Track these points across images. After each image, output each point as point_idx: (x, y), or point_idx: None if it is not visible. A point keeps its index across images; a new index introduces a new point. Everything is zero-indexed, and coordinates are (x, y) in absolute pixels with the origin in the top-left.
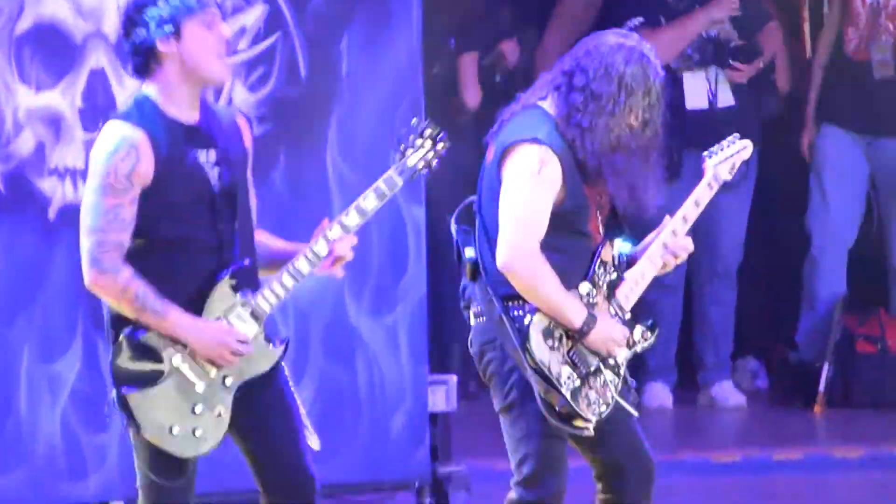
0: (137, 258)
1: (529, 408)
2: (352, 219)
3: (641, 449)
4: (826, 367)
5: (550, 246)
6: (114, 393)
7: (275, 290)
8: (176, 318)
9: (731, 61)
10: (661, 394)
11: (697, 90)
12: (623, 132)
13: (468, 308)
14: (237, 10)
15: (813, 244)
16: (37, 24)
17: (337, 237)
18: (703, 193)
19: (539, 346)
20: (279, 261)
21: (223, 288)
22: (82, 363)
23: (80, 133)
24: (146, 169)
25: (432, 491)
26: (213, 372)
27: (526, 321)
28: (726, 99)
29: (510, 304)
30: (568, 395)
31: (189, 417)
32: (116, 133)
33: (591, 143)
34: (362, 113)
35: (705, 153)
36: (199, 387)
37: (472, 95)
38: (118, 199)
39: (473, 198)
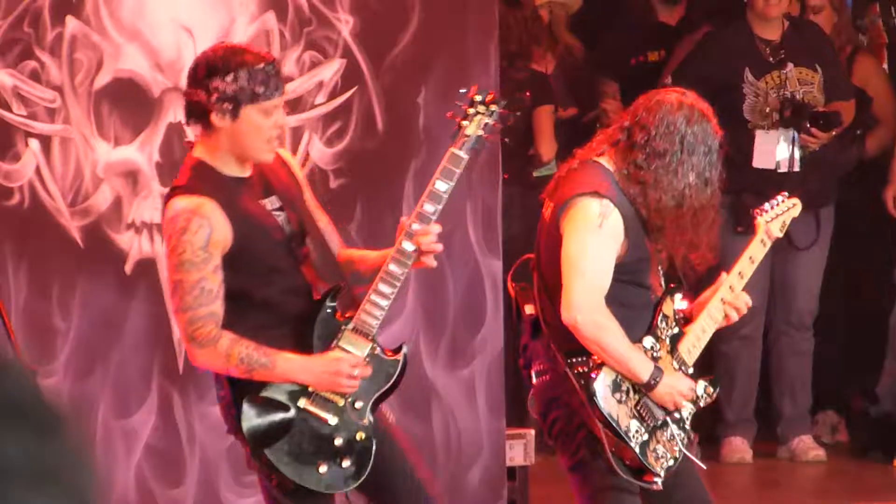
0: (237, 317)
1: (599, 464)
2: (428, 206)
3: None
4: None
5: (614, 299)
6: (252, 454)
7: (376, 301)
8: (284, 365)
9: (809, 126)
10: (740, 448)
11: (767, 150)
12: (684, 190)
13: (528, 367)
14: (315, 65)
15: None
16: (115, 79)
17: (419, 230)
18: (756, 250)
19: (607, 400)
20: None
21: (323, 317)
22: (157, 417)
23: (157, 187)
24: (222, 235)
25: None
26: (340, 401)
27: (592, 375)
28: (794, 163)
29: (574, 359)
30: (637, 449)
31: (332, 452)
32: (183, 208)
33: (653, 200)
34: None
35: (756, 210)
36: (332, 420)
37: (547, 148)
38: (200, 273)
39: (529, 256)
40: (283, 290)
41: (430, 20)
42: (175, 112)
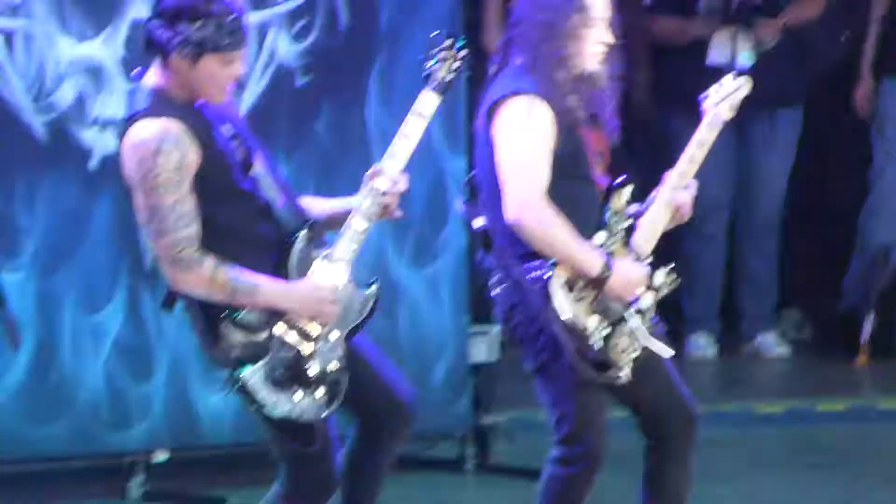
0: (207, 246)
1: (561, 366)
2: (401, 147)
3: (680, 397)
4: (870, 317)
5: (559, 197)
6: (228, 377)
7: (351, 237)
8: (269, 291)
9: (753, 19)
10: (703, 345)
11: (721, 46)
12: (579, 58)
13: (489, 279)
14: None
15: (873, 193)
16: None
17: (392, 170)
18: (705, 134)
19: (562, 300)
20: (336, 218)
21: (300, 247)
22: (126, 313)
23: (121, 83)
24: (193, 156)
25: (474, 441)
26: (315, 331)
27: (546, 277)
28: (744, 60)
29: (527, 264)
30: (599, 345)
31: (305, 381)
32: (153, 130)
33: (554, 80)
34: (402, 64)
35: (703, 95)
36: (307, 349)
37: (491, 38)
38: (176, 195)
39: (474, 172)
40: (246, 213)
41: None
42: (139, 7)
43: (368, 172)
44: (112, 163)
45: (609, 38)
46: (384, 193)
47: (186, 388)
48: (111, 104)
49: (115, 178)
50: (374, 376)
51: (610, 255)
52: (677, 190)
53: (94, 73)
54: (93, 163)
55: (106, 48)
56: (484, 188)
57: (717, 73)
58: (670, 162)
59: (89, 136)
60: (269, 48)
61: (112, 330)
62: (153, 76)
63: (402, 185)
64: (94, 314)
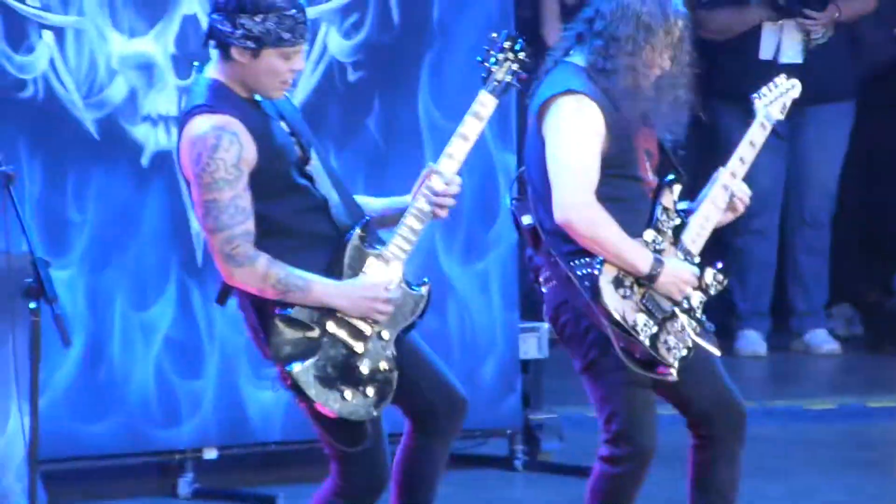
0: (261, 243)
1: (609, 363)
2: (457, 147)
3: (729, 395)
4: None
5: (608, 196)
6: (279, 374)
7: (405, 235)
8: (321, 289)
9: (804, 11)
10: (754, 341)
11: (771, 40)
12: (646, 72)
13: (536, 277)
14: None
15: None
16: None
17: (448, 169)
18: (756, 134)
19: (611, 297)
20: (389, 217)
21: (354, 245)
22: (176, 310)
23: (172, 79)
24: (250, 153)
25: (524, 438)
26: (367, 330)
27: (594, 274)
28: (792, 55)
29: (575, 261)
30: (647, 343)
31: (356, 379)
32: (211, 126)
33: (615, 86)
34: (454, 59)
35: (754, 95)
36: (359, 347)
37: (552, 33)
38: (234, 191)
39: (522, 169)
40: (302, 209)
41: None
42: (190, 4)
43: (424, 172)
44: (163, 159)
45: (666, 66)
46: (438, 194)
47: (236, 386)
48: (162, 100)
49: (166, 175)
50: (430, 368)
51: (659, 253)
52: (728, 191)
53: (146, 69)
54: (144, 159)
55: (157, 44)
56: (533, 185)
57: (767, 69)
58: (720, 159)
59: (140, 133)
60: (322, 43)
61: (162, 326)
62: (212, 70)
63: (457, 186)
64: (144, 311)
